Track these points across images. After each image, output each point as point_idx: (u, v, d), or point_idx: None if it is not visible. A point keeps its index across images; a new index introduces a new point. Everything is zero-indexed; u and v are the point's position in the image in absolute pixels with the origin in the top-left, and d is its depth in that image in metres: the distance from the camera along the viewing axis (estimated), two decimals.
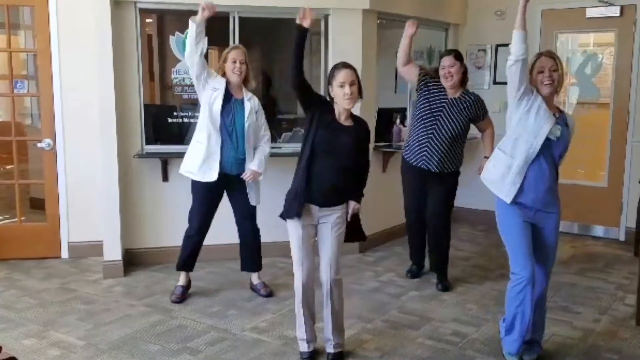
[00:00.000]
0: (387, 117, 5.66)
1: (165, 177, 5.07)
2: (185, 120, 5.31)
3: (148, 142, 5.09)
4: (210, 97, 4.15)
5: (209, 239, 4.65)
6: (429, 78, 4.56)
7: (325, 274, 3.36)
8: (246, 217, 4.42)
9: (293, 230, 3.33)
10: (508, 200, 3.27)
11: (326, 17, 5.33)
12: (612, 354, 3.61)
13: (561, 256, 5.65)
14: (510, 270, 3.33)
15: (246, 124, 4.21)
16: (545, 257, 3.39)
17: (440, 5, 6.41)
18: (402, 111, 6.32)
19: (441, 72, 4.47)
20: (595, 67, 6.33)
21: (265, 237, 4.85)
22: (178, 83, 5.17)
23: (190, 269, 4.50)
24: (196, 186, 4.27)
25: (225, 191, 4.37)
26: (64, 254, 5.31)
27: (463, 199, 6.91)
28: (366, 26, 5.36)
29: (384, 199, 5.61)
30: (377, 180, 5.25)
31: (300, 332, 3.47)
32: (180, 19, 6.09)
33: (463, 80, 4.51)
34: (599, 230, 6.29)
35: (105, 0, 4.65)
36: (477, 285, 4.79)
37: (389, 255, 5.17)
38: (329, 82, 3.28)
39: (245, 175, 4.23)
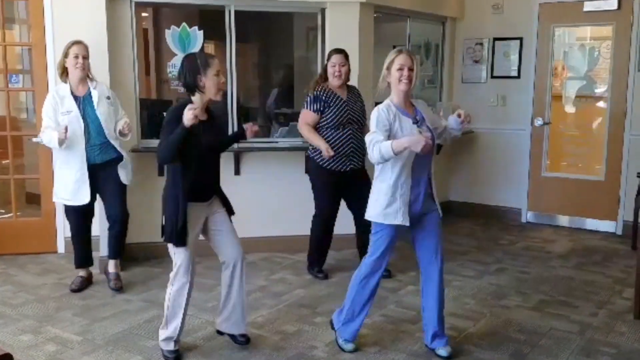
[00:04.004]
0: None
1: (161, 172, 5.02)
2: None
3: (144, 137, 5.08)
4: (65, 120, 4.16)
5: None
6: (321, 93, 4.57)
7: (236, 254, 3.41)
8: (118, 198, 4.41)
9: (185, 250, 3.29)
10: (404, 221, 3.26)
11: (323, 11, 5.30)
12: (609, 348, 3.61)
13: (559, 250, 5.65)
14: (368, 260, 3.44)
15: (97, 112, 4.24)
16: (433, 252, 3.40)
17: None
18: None
19: (331, 70, 4.56)
20: (592, 60, 6.32)
21: (260, 231, 4.83)
22: (174, 77, 5.12)
23: (89, 264, 4.62)
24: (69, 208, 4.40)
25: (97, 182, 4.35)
26: (60, 248, 5.29)
27: (460, 193, 6.93)
28: (363, 20, 5.33)
29: None
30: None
31: (176, 329, 3.35)
32: (176, 12, 6.09)
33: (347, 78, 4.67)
34: (596, 224, 6.29)
35: None
36: (475, 280, 4.77)
37: None
38: (201, 71, 3.16)
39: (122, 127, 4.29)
